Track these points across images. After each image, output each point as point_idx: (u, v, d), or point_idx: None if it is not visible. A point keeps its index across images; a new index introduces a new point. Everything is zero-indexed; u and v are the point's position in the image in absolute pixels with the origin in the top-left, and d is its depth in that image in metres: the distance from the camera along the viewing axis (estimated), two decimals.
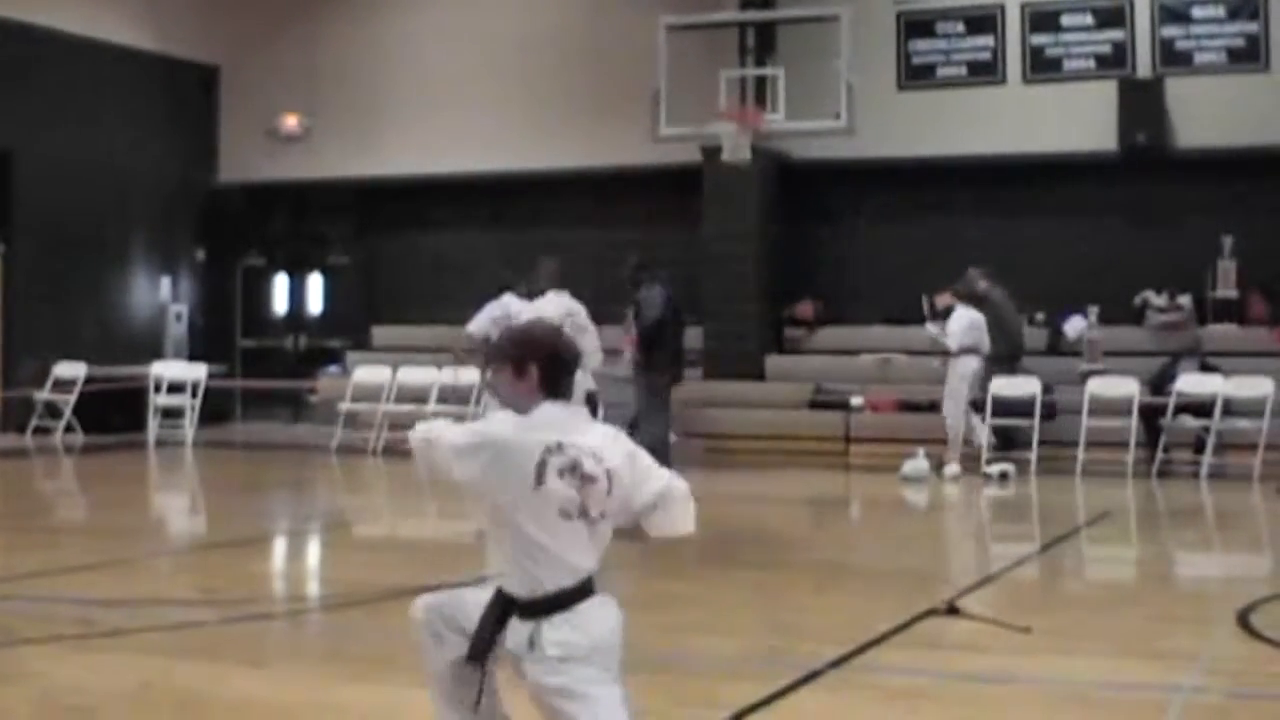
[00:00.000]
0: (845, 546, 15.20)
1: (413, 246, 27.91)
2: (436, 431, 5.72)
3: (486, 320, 20.58)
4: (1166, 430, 21.20)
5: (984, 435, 20.80)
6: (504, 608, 5.50)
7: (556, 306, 14.15)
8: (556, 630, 5.36)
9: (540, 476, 5.37)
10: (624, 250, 23.19)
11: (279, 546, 14.91)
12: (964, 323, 20.83)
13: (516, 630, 5.42)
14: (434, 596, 5.81)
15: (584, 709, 5.26)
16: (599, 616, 5.42)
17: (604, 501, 5.46)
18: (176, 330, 28.64)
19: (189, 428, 24.71)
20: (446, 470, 5.58)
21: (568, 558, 5.40)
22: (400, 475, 21.86)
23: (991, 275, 21.84)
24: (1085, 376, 22.04)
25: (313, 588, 12.52)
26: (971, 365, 20.72)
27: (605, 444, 5.59)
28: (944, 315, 21.31)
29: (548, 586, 5.38)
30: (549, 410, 5.55)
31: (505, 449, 5.44)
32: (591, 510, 5.43)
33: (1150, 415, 21.34)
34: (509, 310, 20.53)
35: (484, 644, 5.47)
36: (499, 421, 5.60)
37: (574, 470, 5.41)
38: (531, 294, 14.51)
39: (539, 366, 5.58)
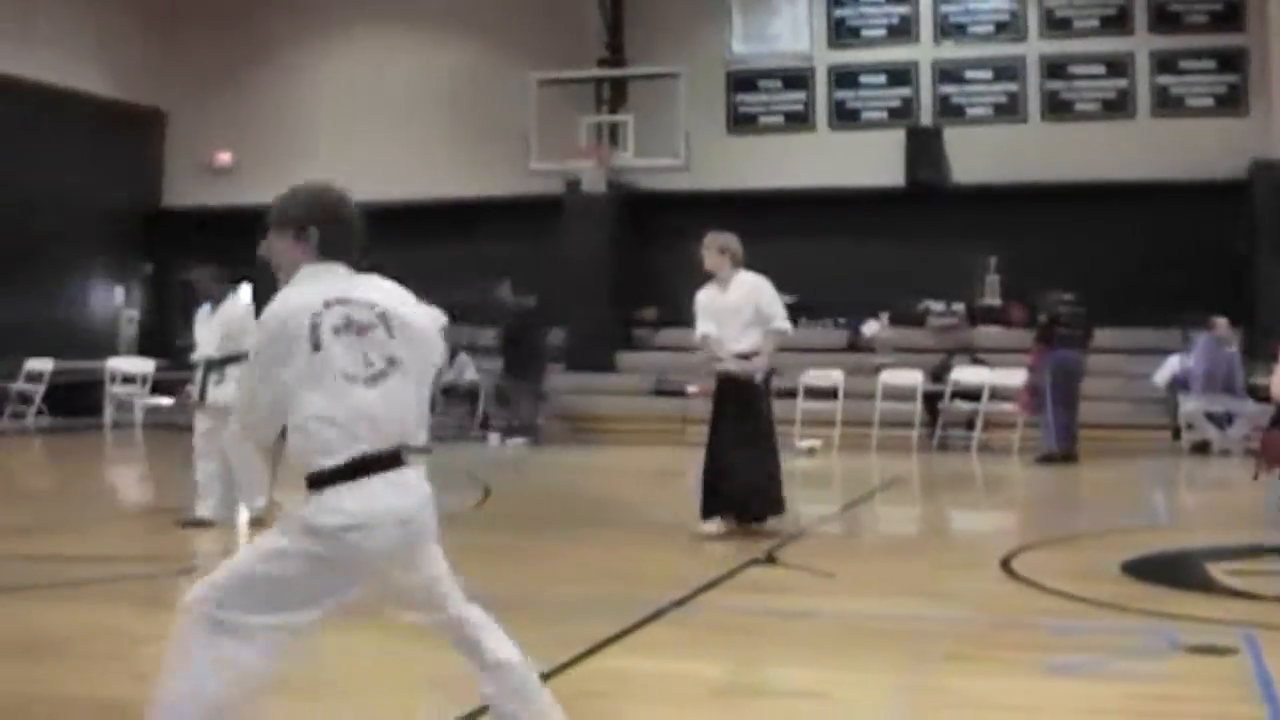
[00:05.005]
0: (682, 510, 15.23)
1: None
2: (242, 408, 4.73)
3: None
4: (943, 412, 21.46)
5: None
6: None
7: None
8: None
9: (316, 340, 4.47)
10: (501, 266, 23.46)
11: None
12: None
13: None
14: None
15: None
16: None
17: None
18: (128, 331, 28.36)
19: (139, 413, 24.40)
20: (269, 410, 4.54)
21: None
22: None
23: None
24: (878, 369, 22.26)
25: (235, 546, 12.36)
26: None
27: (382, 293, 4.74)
28: None
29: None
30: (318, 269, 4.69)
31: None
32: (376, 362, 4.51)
33: (930, 400, 21.60)
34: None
35: None
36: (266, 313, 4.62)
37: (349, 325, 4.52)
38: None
39: (319, 228, 4.71)
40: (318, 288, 4.59)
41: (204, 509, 12.00)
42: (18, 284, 25.72)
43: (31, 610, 8.13)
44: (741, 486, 11.47)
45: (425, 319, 4.81)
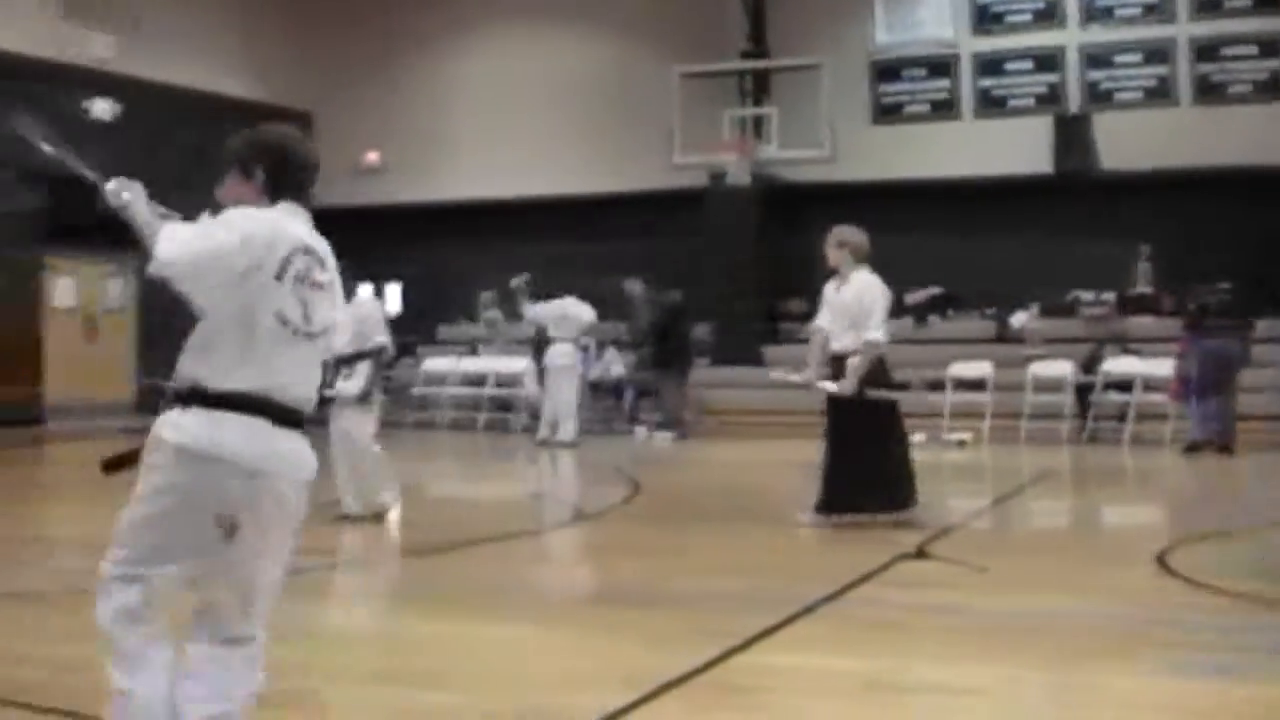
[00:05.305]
0: None
1: (472, 257, 28.00)
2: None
3: (547, 317, 20.98)
4: (1095, 404, 21.27)
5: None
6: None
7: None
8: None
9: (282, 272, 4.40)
10: (645, 260, 23.59)
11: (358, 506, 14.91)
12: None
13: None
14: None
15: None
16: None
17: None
18: None
19: None
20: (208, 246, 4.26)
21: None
22: (464, 446, 21.95)
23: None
24: (1028, 360, 22.10)
25: (392, 539, 12.56)
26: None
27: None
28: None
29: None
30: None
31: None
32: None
33: (1081, 392, 21.41)
34: (568, 311, 20.85)
35: None
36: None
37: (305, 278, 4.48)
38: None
39: (265, 168, 4.58)
40: (298, 228, 4.54)
41: (352, 502, 12.24)
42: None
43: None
44: (848, 484, 11.48)
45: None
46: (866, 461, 11.43)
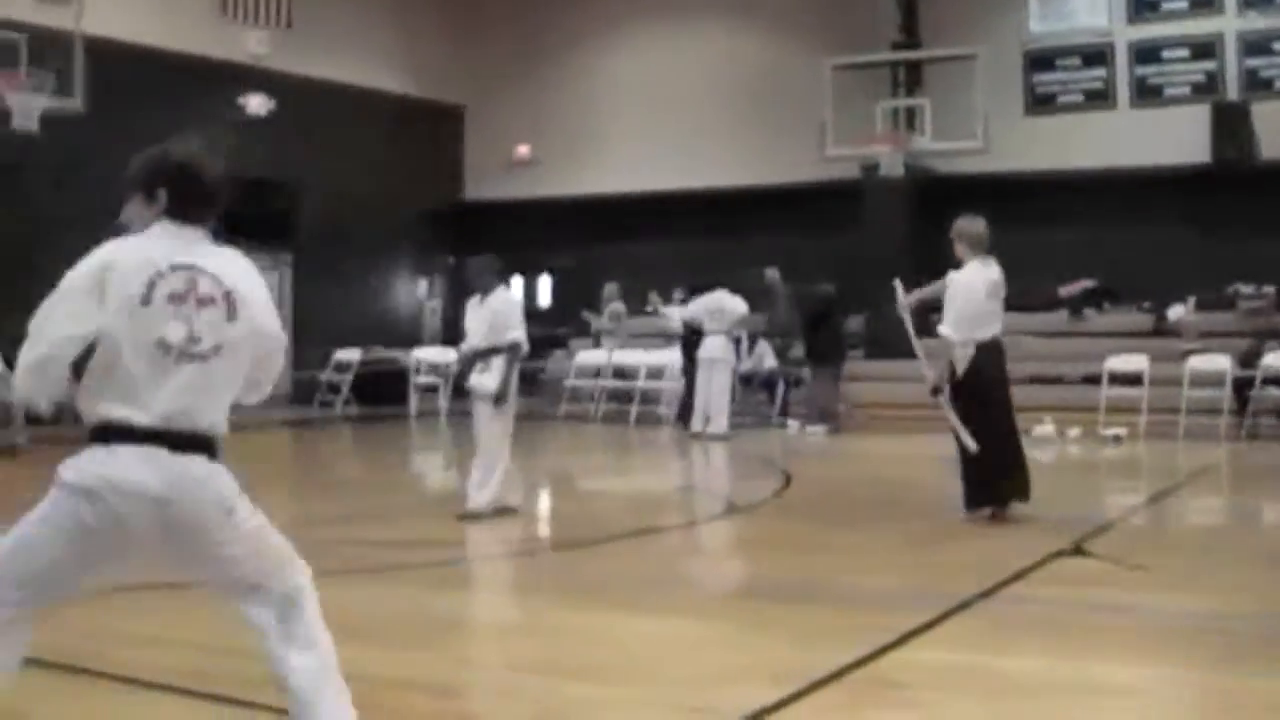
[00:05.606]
0: None
1: (620, 250, 28.09)
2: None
3: (701, 310, 20.98)
4: (1254, 399, 20.85)
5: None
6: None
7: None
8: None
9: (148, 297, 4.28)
10: (792, 255, 23.51)
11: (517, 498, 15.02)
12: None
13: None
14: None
15: None
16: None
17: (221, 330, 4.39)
18: (432, 322, 29.19)
19: (443, 402, 25.04)
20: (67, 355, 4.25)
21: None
22: (615, 438, 22.01)
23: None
24: (1185, 354, 21.71)
25: (543, 531, 12.63)
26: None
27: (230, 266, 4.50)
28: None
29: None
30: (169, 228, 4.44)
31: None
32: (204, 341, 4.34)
33: (1240, 387, 21.00)
34: (722, 304, 20.85)
35: None
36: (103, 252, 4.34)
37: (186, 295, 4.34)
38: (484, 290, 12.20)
39: (168, 191, 4.45)
40: (166, 247, 4.37)
41: (512, 496, 12.22)
42: (325, 277, 26.73)
43: (340, 593, 8.43)
44: (975, 477, 11.42)
45: (268, 308, 4.58)
46: (981, 455, 11.32)
